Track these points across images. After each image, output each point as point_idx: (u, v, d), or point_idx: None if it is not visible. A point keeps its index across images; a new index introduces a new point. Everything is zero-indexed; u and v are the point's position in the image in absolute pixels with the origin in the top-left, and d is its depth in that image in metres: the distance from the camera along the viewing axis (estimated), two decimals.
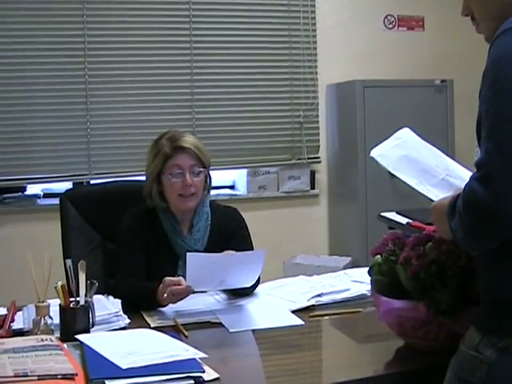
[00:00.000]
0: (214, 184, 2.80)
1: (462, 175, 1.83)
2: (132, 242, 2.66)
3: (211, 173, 2.77)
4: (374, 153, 1.90)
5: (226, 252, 2.44)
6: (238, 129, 5.11)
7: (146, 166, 2.73)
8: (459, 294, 1.78)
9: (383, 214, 3.32)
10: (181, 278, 2.38)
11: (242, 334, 2.23)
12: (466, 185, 1.45)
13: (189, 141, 2.68)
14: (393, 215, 3.22)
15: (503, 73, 1.42)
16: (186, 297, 2.39)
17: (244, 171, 5.20)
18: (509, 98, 1.40)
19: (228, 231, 2.74)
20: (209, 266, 2.31)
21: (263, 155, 5.17)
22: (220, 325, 2.29)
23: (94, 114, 4.77)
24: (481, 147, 1.45)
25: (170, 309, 2.44)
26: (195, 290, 2.39)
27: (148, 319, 2.36)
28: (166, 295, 2.36)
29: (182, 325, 2.26)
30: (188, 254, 2.29)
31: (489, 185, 1.38)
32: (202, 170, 2.68)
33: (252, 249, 2.70)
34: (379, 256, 2.00)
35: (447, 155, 1.94)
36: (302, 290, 2.62)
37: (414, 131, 1.99)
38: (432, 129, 4.81)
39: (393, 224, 3.15)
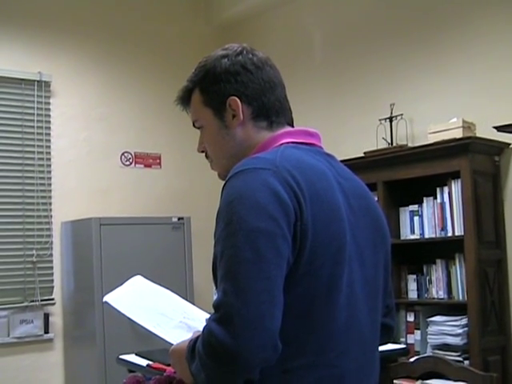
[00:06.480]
0: None
1: (199, 317, 1.84)
2: None
3: None
4: (108, 298, 1.85)
5: None
6: None
7: None
8: None
9: (122, 356, 3.21)
10: None
11: None
12: (205, 327, 1.39)
13: None
14: (132, 357, 3.13)
15: (236, 214, 1.40)
16: None
17: None
18: (243, 240, 1.38)
19: None
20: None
21: None
22: None
23: None
24: (218, 288, 1.41)
25: None
26: None
27: None
28: None
29: None
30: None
31: (228, 326, 1.34)
32: None
33: None
34: None
35: (186, 291, 1.91)
36: None
37: (153, 269, 1.96)
38: (170, 266, 4.82)
39: (133, 367, 3.06)
